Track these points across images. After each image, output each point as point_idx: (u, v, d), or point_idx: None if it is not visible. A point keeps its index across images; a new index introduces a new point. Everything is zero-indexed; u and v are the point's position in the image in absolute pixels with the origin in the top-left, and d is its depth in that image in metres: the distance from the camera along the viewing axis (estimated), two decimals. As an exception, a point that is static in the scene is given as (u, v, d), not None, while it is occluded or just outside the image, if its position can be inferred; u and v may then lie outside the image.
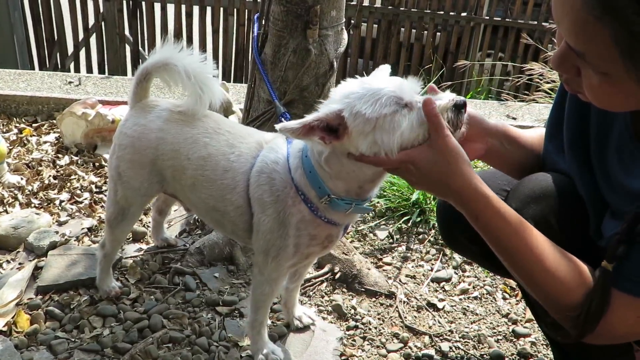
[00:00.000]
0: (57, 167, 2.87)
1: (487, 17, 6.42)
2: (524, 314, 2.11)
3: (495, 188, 1.56)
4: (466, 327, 2.02)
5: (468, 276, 2.32)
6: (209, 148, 1.57)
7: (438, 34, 6.50)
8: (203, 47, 6.02)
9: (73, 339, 1.76)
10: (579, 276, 1.15)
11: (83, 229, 2.36)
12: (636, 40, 0.86)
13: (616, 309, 1.09)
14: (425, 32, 6.36)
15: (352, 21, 6.19)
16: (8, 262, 2.11)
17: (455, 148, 1.17)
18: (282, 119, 1.71)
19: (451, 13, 6.35)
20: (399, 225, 2.57)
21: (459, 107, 1.22)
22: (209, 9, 5.95)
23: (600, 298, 1.09)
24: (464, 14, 6.38)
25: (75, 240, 2.27)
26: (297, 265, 1.62)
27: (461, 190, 1.17)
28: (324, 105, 1.28)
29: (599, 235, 1.21)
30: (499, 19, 6.40)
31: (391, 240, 2.51)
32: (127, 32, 6.05)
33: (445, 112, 1.21)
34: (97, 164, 2.92)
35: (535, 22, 6.28)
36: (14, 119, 3.38)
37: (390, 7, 6.24)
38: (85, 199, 2.61)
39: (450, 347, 1.92)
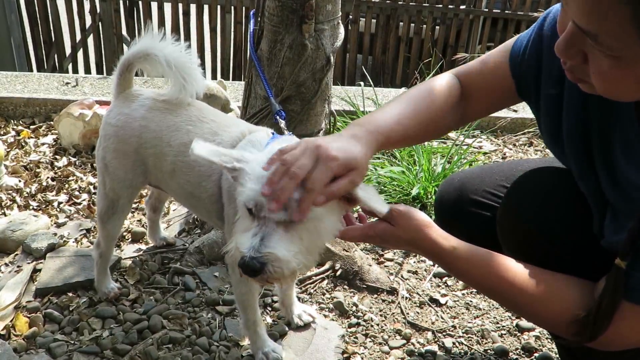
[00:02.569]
0: (55, 168, 2.86)
1: (486, 10, 6.39)
2: (528, 307, 2.09)
3: (492, 184, 1.53)
4: (469, 322, 2.00)
5: (470, 271, 2.30)
6: (191, 135, 1.55)
7: (437, 27, 6.47)
8: (201, 45, 6.01)
9: (72, 342, 1.74)
10: (570, 294, 1.12)
11: (81, 230, 2.34)
12: None
13: (625, 319, 1.05)
14: (424, 26, 6.32)
15: (350, 16, 6.17)
16: (6, 264, 2.10)
17: (412, 227, 1.16)
18: (277, 117, 1.68)
19: (450, 6, 6.32)
20: (400, 221, 2.54)
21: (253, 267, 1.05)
22: (206, 7, 5.93)
23: (611, 297, 1.05)
24: (462, 7, 6.35)
25: (73, 242, 2.26)
26: None
27: (429, 251, 1.20)
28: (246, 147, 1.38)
29: (602, 234, 1.17)
30: (498, 11, 6.37)
31: (392, 236, 2.49)
32: (124, 32, 6.04)
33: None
34: (95, 165, 2.90)
35: (535, 14, 6.25)
36: (12, 121, 3.37)
37: (388, 2, 6.21)
38: (84, 200, 2.60)
39: (454, 343, 1.89)
